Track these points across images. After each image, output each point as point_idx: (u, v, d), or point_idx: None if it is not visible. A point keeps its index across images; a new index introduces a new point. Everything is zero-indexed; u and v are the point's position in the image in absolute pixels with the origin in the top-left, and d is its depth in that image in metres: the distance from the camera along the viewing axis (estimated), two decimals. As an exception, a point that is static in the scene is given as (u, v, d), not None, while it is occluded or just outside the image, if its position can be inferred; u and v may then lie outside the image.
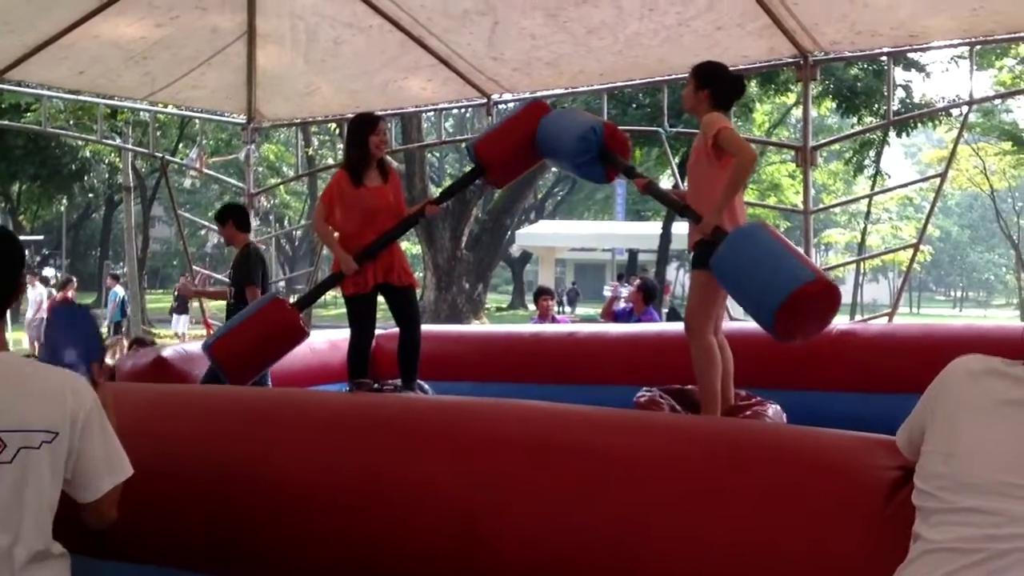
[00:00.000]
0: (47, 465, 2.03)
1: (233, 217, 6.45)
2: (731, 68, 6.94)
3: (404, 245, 5.56)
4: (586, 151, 4.63)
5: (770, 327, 3.87)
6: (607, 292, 10.46)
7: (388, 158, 5.55)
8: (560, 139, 4.79)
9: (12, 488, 1.99)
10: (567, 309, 32.93)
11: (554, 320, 9.23)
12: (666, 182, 24.57)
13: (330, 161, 24.83)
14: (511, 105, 8.43)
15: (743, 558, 2.01)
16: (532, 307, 10.71)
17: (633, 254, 33.98)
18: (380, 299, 5.29)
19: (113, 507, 2.18)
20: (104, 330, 19.83)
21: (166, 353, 5.73)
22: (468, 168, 5.43)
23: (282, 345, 5.04)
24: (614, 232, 35.57)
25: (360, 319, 5.28)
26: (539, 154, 5.04)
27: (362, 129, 5.27)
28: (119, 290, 19.62)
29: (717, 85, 4.44)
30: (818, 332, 4.05)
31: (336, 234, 5.22)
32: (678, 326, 6.43)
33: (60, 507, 2.10)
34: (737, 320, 8.14)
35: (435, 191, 20.64)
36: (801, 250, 4.06)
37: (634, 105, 16.39)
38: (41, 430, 2.02)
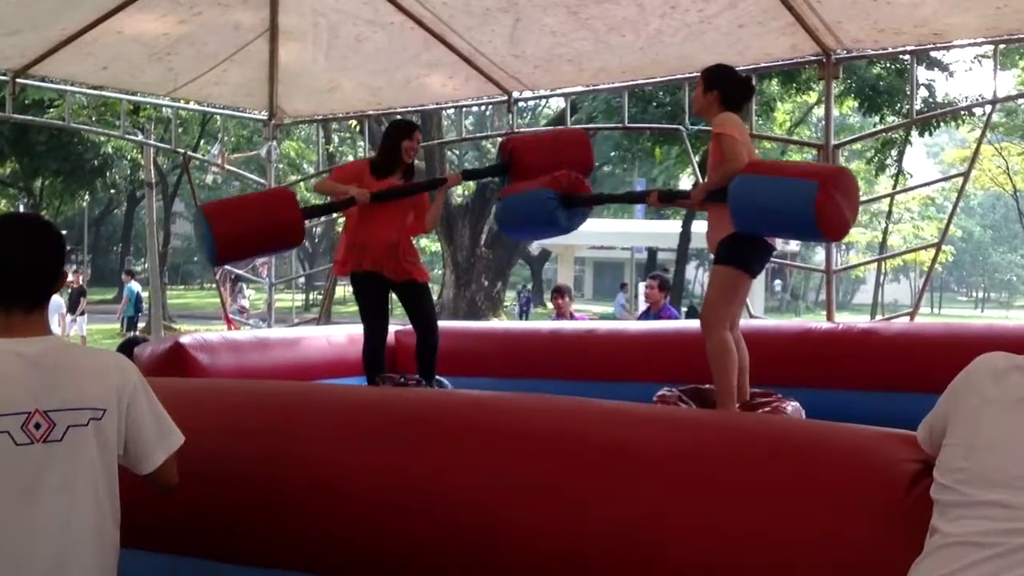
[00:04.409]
0: (94, 441, 2.09)
1: None
2: (753, 66, 7.03)
3: (424, 242, 5.60)
4: (551, 208, 4.81)
5: (818, 237, 4.20)
6: (619, 314, 10.50)
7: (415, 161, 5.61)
8: (521, 213, 5.02)
9: (64, 464, 2.05)
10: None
11: (572, 317, 9.21)
12: (686, 180, 24.53)
13: (350, 158, 24.84)
14: (531, 103, 8.41)
15: (762, 551, 2.01)
16: (550, 305, 10.68)
17: (652, 252, 33.90)
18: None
19: (173, 474, 2.28)
20: (117, 326, 19.93)
21: (184, 340, 5.72)
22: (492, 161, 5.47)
23: (276, 235, 4.94)
24: (633, 230, 35.46)
25: (367, 310, 5.39)
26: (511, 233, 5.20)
27: (397, 132, 5.41)
28: (134, 286, 19.67)
29: (725, 86, 4.47)
30: (855, 212, 4.18)
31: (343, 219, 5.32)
32: (696, 323, 6.43)
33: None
34: (756, 318, 8.12)
35: (455, 189, 20.64)
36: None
37: (654, 103, 16.33)
38: (87, 408, 2.09)
